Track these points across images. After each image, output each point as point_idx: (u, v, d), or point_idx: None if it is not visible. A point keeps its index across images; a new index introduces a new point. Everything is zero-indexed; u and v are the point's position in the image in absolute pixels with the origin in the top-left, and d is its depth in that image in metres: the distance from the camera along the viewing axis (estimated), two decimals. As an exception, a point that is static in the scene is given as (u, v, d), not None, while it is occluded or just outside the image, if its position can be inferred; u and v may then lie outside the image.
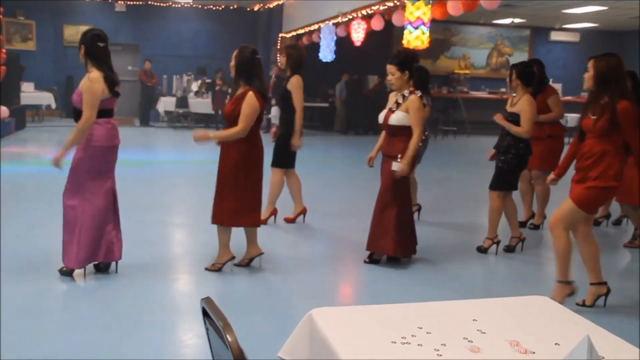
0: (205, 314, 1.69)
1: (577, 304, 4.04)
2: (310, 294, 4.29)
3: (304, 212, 6.11)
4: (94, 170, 4.11)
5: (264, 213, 5.91)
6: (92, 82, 3.98)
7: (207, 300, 1.67)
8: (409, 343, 1.82)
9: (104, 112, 4.09)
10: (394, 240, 4.69)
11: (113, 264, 4.38)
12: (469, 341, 1.85)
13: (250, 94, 4.25)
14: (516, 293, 3.34)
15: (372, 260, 4.89)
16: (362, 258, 5.06)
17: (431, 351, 1.78)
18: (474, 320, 2.01)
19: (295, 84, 5.68)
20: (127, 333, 3.44)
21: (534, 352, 1.79)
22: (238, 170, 4.32)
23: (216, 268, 4.53)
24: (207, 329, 1.74)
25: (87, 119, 3.97)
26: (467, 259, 5.22)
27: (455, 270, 4.87)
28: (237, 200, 4.35)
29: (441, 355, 1.76)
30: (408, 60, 4.67)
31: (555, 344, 1.85)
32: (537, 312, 2.15)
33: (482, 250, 5.31)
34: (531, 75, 5.18)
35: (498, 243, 5.30)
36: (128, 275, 4.34)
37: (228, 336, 1.50)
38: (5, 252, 4.73)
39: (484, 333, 1.92)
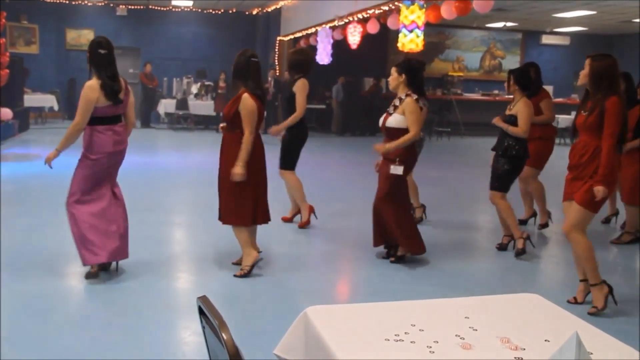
0: (201, 312, 1.71)
1: (568, 302, 4.10)
2: (307, 293, 4.33)
3: (299, 212, 6.15)
4: (95, 177, 4.14)
5: (303, 215, 6.02)
6: (85, 89, 4.01)
7: (203, 298, 1.69)
8: (402, 340, 1.84)
9: (105, 119, 4.09)
10: (401, 238, 4.79)
11: (113, 262, 4.39)
12: (461, 338, 1.88)
13: (245, 95, 4.32)
14: (513, 290, 3.38)
15: (398, 258, 4.92)
16: (360, 256, 5.10)
17: (424, 348, 1.80)
18: (466, 317, 2.04)
19: (300, 86, 5.74)
20: (127, 331, 3.47)
21: (524, 349, 1.82)
22: (247, 170, 4.33)
23: (245, 272, 4.44)
24: (203, 327, 1.76)
25: (74, 124, 4.03)
26: (464, 256, 5.26)
27: (452, 268, 4.91)
28: (247, 199, 4.39)
29: (434, 352, 1.78)
30: (410, 66, 4.80)
31: (545, 340, 1.88)
32: (528, 309, 2.18)
33: (519, 252, 5.20)
34: (528, 80, 5.34)
35: (528, 238, 5.29)
36: (129, 274, 4.37)
37: (223, 334, 1.51)
38: (8, 252, 4.77)
39: (476, 330, 1.94)
